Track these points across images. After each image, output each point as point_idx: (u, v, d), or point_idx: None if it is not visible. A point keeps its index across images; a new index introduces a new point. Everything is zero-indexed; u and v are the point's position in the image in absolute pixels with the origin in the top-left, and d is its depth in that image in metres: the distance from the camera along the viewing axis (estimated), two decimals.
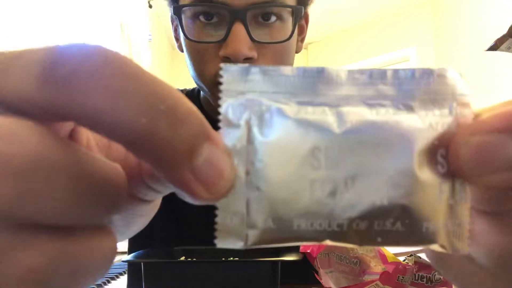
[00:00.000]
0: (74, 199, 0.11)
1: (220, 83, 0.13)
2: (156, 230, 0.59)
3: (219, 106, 0.13)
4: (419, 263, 0.42)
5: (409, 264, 0.42)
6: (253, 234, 0.13)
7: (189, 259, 0.54)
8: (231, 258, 0.53)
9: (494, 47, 0.88)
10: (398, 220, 0.13)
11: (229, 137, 0.13)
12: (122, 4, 2.35)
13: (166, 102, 0.11)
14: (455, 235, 0.13)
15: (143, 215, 0.19)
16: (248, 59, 0.48)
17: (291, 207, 0.13)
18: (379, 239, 0.13)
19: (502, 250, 0.15)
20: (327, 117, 0.13)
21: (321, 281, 0.46)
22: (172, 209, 0.60)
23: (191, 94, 0.68)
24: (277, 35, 0.50)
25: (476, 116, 0.14)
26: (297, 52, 0.59)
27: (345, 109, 0.13)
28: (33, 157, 0.10)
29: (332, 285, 0.45)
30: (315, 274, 0.47)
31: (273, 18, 0.49)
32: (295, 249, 0.50)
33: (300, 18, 0.52)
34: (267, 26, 0.49)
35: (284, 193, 0.13)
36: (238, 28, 0.46)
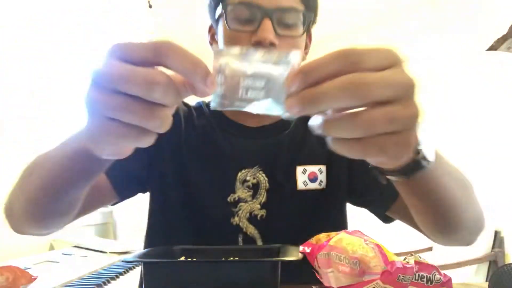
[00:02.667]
0: (159, 87, 0.29)
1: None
2: (175, 223, 0.71)
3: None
4: (420, 263, 0.42)
5: (410, 263, 0.42)
6: (220, 100, 0.33)
7: (189, 259, 0.54)
8: (231, 258, 0.53)
9: (494, 47, 0.88)
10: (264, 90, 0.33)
11: (217, 63, 0.32)
12: (122, 4, 2.35)
13: (192, 61, 0.30)
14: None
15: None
16: (272, 45, 0.64)
17: (236, 88, 0.33)
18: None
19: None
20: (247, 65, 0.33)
21: (321, 280, 0.46)
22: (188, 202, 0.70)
23: (209, 105, 0.81)
24: (292, 33, 0.67)
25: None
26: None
27: (253, 65, 0.33)
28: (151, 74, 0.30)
29: (332, 284, 0.44)
30: (316, 274, 0.47)
31: (291, 21, 0.66)
32: (295, 250, 0.50)
33: (309, 22, 0.69)
34: (286, 26, 0.66)
35: (234, 83, 0.32)
36: (267, 23, 0.63)
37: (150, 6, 3.14)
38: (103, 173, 0.59)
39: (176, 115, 0.73)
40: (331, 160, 0.72)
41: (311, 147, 0.74)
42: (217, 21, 0.71)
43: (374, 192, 0.70)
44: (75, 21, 2.17)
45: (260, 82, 0.33)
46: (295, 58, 0.32)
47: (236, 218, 0.68)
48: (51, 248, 1.70)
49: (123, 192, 0.68)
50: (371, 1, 3.34)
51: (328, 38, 4.02)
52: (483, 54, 2.30)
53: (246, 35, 0.65)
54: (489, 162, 2.61)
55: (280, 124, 0.76)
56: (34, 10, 1.61)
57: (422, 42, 3.27)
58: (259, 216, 0.69)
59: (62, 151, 0.49)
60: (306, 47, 0.75)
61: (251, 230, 0.68)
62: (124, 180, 0.67)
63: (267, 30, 0.63)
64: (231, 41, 0.67)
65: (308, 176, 0.71)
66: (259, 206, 0.69)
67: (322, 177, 0.71)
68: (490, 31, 2.45)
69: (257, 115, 0.68)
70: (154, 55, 0.29)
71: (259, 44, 0.64)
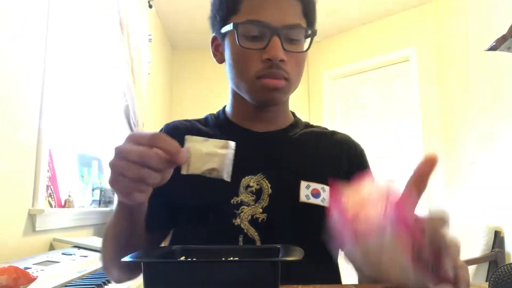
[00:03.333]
0: (151, 160, 0.48)
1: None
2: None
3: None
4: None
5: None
6: (188, 167, 0.53)
7: (189, 259, 0.54)
8: (231, 258, 0.53)
9: (494, 47, 0.88)
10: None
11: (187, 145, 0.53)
12: (122, 4, 2.35)
13: (173, 145, 0.49)
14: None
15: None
16: (281, 61, 0.69)
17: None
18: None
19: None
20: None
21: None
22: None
23: (218, 115, 0.87)
24: (297, 48, 0.72)
25: None
26: None
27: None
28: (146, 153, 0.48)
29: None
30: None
31: (296, 38, 0.72)
32: (295, 250, 0.50)
33: (313, 37, 0.74)
34: (292, 42, 0.71)
35: (196, 158, 0.53)
36: (276, 40, 0.69)
37: (150, 6, 3.14)
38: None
39: (176, 131, 0.80)
40: (334, 184, 0.73)
41: (318, 165, 0.76)
42: (223, 36, 0.76)
43: None
44: (75, 21, 2.17)
45: (211, 158, 0.53)
46: (234, 145, 0.55)
47: (238, 220, 0.70)
48: (51, 248, 1.70)
49: (153, 229, 0.73)
50: None
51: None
52: (483, 53, 2.29)
53: (256, 52, 0.70)
54: (489, 162, 2.61)
55: (285, 131, 0.80)
56: (35, 11, 1.61)
57: None
58: (260, 219, 0.70)
59: (113, 216, 0.66)
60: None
61: (252, 232, 0.70)
62: (151, 221, 0.69)
63: (277, 48, 0.68)
64: (241, 58, 0.72)
65: (311, 191, 0.73)
66: (261, 210, 0.71)
67: (325, 195, 0.73)
68: (491, 31, 2.45)
69: (263, 121, 0.80)
70: (151, 142, 0.49)
71: (269, 61, 0.69)
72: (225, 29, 0.73)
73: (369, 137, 3.76)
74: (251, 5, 0.70)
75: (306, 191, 0.72)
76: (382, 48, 3.81)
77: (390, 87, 3.82)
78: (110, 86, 2.53)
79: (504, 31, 0.83)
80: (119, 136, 2.69)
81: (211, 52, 0.81)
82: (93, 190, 2.29)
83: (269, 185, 0.72)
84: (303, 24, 0.73)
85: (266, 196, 0.72)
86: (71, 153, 2.21)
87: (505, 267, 0.43)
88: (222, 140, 0.56)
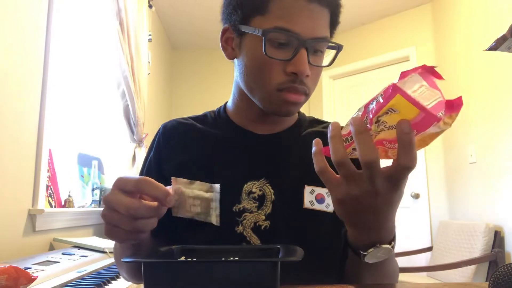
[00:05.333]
0: (137, 211, 0.50)
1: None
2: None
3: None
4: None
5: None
6: (176, 210, 0.68)
7: (189, 259, 0.54)
8: (231, 258, 0.53)
9: (494, 47, 0.88)
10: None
11: (174, 187, 0.58)
12: (122, 4, 2.35)
13: (159, 189, 0.51)
14: None
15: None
16: (306, 76, 0.65)
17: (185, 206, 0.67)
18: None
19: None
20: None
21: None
22: None
23: (219, 113, 0.82)
24: (320, 61, 0.69)
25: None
26: None
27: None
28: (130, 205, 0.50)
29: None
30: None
31: (321, 50, 0.68)
32: (295, 250, 0.50)
33: (339, 51, 0.70)
34: (316, 54, 0.68)
35: (183, 200, 0.66)
36: (303, 53, 0.64)
37: (150, 6, 3.14)
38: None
39: (174, 132, 0.78)
40: None
41: None
42: (240, 33, 0.69)
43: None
44: (75, 21, 2.16)
45: (197, 201, 0.56)
46: (218, 187, 0.60)
47: (241, 227, 0.68)
48: (51, 248, 1.70)
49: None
50: None
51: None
52: (483, 53, 2.29)
53: (280, 63, 0.65)
54: (489, 162, 2.61)
55: (288, 132, 0.77)
56: (36, 11, 1.61)
57: None
58: (263, 227, 0.68)
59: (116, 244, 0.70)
60: None
61: (255, 240, 0.67)
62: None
63: (304, 63, 0.63)
64: (263, 66, 0.66)
65: (316, 197, 0.70)
66: (263, 217, 0.68)
67: (330, 200, 0.69)
68: (490, 31, 2.45)
69: (268, 124, 0.77)
70: (138, 189, 0.50)
71: (294, 75, 0.64)
72: (248, 29, 0.66)
73: None
74: (282, 9, 0.64)
75: (310, 196, 0.70)
76: (382, 48, 3.81)
77: None
78: (110, 86, 2.53)
79: (504, 31, 0.83)
80: (119, 136, 2.69)
81: (220, 44, 0.74)
82: (93, 190, 2.29)
83: (272, 191, 0.69)
84: (329, 35, 0.69)
85: (269, 202, 0.69)
86: (71, 153, 2.21)
87: (505, 267, 0.43)
88: (207, 184, 0.60)
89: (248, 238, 0.67)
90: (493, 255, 2.36)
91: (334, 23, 0.70)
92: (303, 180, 0.70)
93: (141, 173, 0.78)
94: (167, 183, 0.71)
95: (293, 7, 0.63)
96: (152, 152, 0.78)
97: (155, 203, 0.51)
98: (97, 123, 2.51)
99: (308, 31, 0.64)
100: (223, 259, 0.52)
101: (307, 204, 0.69)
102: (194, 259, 0.54)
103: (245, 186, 0.69)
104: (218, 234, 0.68)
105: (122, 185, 0.50)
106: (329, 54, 0.71)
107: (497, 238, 2.43)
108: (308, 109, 4.27)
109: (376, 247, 0.52)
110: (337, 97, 4.18)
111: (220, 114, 0.80)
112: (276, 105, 0.68)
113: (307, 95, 0.68)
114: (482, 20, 2.70)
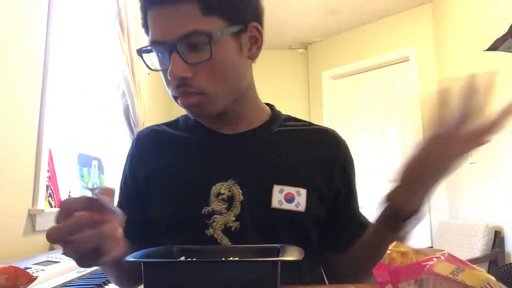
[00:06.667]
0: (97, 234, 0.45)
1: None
2: None
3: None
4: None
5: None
6: None
7: (189, 259, 0.54)
8: (231, 258, 0.53)
9: (494, 47, 0.88)
10: None
11: None
12: (122, 4, 2.35)
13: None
14: None
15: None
16: (184, 78, 0.62)
17: None
18: None
19: None
20: None
21: None
22: None
23: (189, 118, 0.80)
24: (201, 57, 0.62)
25: None
26: (252, 59, 0.70)
27: None
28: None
29: None
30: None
31: (200, 44, 0.62)
32: (295, 250, 0.50)
33: (214, 38, 0.62)
34: (195, 52, 0.62)
35: None
36: (175, 58, 0.61)
37: None
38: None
39: (146, 139, 0.78)
40: (314, 185, 0.71)
41: (293, 167, 0.71)
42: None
43: (343, 232, 0.75)
44: (75, 21, 2.16)
45: None
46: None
47: (211, 230, 0.67)
48: (51, 248, 1.70)
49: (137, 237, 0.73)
50: None
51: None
52: (483, 53, 2.30)
53: (166, 74, 0.64)
54: (489, 162, 2.61)
55: (257, 130, 0.75)
56: (37, 11, 1.61)
57: None
58: (233, 228, 0.67)
59: None
60: (256, 41, 0.69)
61: (226, 241, 0.66)
62: (133, 232, 0.67)
63: (175, 67, 0.61)
64: (163, 80, 0.67)
65: (285, 196, 0.68)
66: (233, 218, 0.67)
67: (301, 199, 0.68)
68: (490, 31, 2.45)
69: (229, 123, 0.75)
70: (57, 221, 0.45)
71: (172, 83, 0.64)
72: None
73: (369, 137, 3.77)
74: (150, 24, 0.64)
75: (279, 196, 0.68)
76: (382, 48, 3.81)
77: (390, 87, 3.83)
78: (110, 86, 2.53)
79: (504, 31, 0.83)
80: (119, 136, 2.69)
81: None
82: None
83: (240, 191, 0.68)
84: (206, 25, 0.61)
85: (238, 203, 0.68)
86: (71, 153, 2.21)
87: (505, 267, 0.43)
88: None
89: (219, 240, 0.66)
90: (493, 255, 2.36)
91: (213, 6, 0.62)
92: (272, 179, 0.69)
93: (121, 183, 0.80)
94: (142, 190, 0.74)
95: (152, 18, 0.64)
96: (128, 161, 0.79)
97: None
98: (97, 123, 2.51)
99: (171, 33, 0.61)
100: (223, 259, 0.52)
101: (275, 204, 0.68)
102: (194, 259, 0.54)
103: (213, 187, 0.68)
104: (189, 238, 0.67)
105: (67, 205, 0.46)
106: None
107: (497, 238, 2.43)
108: (308, 109, 4.27)
109: (417, 213, 0.62)
110: (337, 97, 4.18)
111: (190, 117, 0.79)
112: (186, 110, 0.69)
113: (203, 93, 0.64)
114: (482, 20, 2.70)
